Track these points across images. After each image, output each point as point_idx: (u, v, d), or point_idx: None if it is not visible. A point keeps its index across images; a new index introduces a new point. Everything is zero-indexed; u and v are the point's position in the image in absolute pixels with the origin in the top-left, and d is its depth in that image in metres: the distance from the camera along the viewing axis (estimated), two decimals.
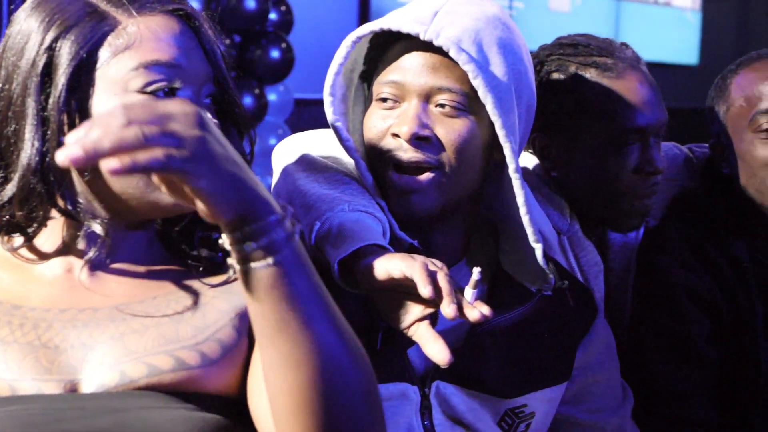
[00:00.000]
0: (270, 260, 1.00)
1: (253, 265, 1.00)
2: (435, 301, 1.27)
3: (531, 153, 1.87)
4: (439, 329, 1.44)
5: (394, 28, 1.46)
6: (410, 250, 1.46)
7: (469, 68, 1.42)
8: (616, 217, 1.84)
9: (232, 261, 1.02)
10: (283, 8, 4.83)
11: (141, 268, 1.26)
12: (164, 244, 1.30)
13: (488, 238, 1.62)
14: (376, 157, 1.50)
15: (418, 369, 1.50)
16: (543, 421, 1.61)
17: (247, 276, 1.01)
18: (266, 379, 1.09)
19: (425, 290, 1.25)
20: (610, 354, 1.71)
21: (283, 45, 4.84)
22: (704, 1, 9.48)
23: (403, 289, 1.31)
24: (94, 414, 1.12)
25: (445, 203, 1.48)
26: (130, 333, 1.19)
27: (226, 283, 1.27)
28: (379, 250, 1.35)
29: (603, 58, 1.81)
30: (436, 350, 1.28)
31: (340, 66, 1.52)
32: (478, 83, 1.42)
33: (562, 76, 1.80)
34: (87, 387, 1.16)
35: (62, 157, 0.89)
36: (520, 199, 1.47)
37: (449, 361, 1.27)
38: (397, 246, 1.46)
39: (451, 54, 1.42)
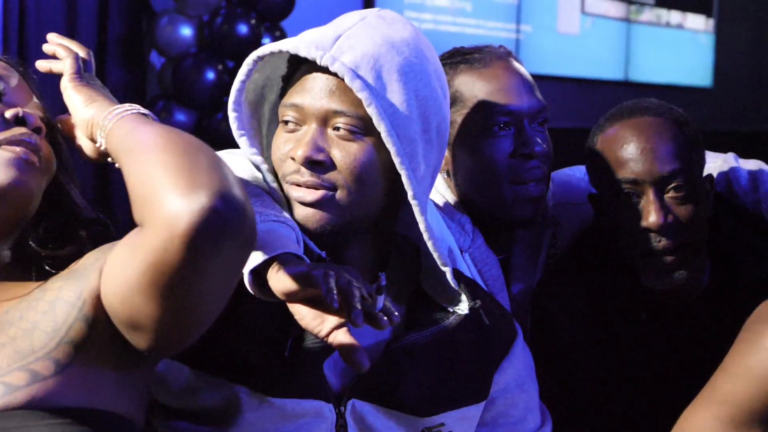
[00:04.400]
0: (117, 118, 1.30)
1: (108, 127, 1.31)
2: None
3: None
4: None
5: (292, 51, 1.47)
6: (319, 261, 1.48)
7: (363, 96, 1.42)
8: (500, 204, 1.85)
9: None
10: (277, 33, 4.84)
11: None
12: (19, 260, 1.34)
13: (410, 257, 1.62)
14: (281, 178, 1.52)
15: (333, 386, 1.51)
16: None
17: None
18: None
19: (329, 299, 1.26)
20: (530, 376, 1.70)
21: None
22: (718, 23, 9.43)
23: (317, 298, 1.31)
24: None
25: (345, 221, 1.49)
26: None
27: (71, 263, 1.30)
28: (294, 259, 1.36)
29: (472, 54, 1.89)
30: (355, 357, 1.29)
31: (241, 83, 1.53)
32: (372, 111, 1.43)
33: None
34: None
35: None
36: (421, 225, 1.49)
37: (366, 367, 1.29)
38: (311, 256, 1.47)
39: (346, 81, 1.43)
